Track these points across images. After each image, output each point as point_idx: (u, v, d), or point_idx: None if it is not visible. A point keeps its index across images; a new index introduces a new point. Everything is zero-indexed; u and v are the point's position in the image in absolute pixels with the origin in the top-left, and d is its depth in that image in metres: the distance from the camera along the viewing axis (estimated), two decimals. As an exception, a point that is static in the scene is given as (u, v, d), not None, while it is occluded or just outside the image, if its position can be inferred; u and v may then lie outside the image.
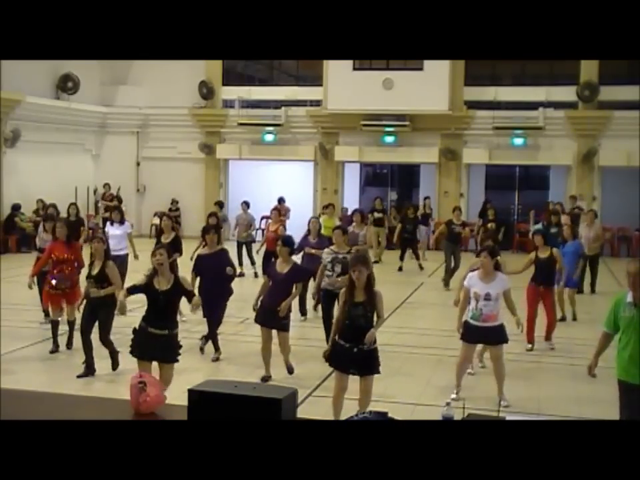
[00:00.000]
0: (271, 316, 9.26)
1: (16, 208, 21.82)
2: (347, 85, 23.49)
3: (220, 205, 19.99)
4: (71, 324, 10.50)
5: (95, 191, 25.06)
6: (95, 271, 9.24)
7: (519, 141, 23.73)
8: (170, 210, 26.30)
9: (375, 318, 7.36)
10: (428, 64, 22.56)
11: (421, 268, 18.87)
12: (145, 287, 7.67)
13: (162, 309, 7.59)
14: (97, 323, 9.35)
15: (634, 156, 21.86)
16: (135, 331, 7.69)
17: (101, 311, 9.25)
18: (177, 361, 7.72)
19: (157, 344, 7.57)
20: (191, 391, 3.85)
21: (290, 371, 9.53)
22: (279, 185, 24.78)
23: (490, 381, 8.83)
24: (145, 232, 25.35)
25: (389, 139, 24.45)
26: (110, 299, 9.11)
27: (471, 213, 24.41)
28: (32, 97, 21.66)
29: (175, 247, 10.86)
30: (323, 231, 13.58)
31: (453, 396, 8.39)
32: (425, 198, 22.72)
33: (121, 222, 13.83)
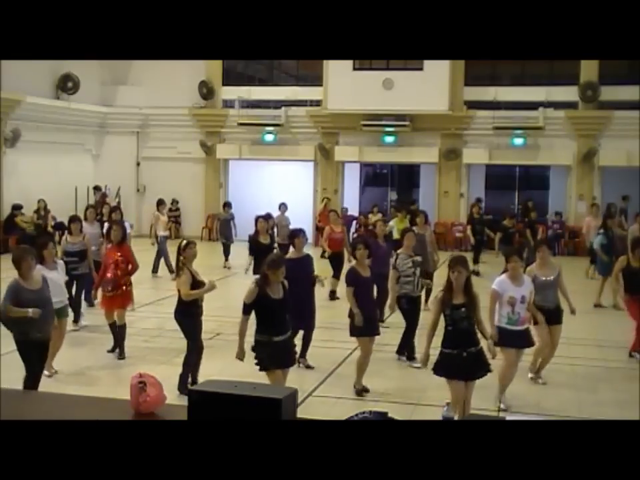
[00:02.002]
0: (375, 324, 9.06)
1: (16, 208, 21.81)
2: (347, 85, 23.50)
3: (229, 205, 20.02)
4: (121, 329, 10.45)
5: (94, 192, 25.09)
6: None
7: (519, 141, 23.74)
8: (170, 210, 26.33)
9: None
10: (428, 64, 22.57)
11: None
12: (260, 298, 7.40)
13: (282, 315, 7.54)
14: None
15: (634, 156, 21.87)
16: (261, 346, 7.48)
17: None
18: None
19: (290, 350, 7.69)
20: (191, 391, 3.84)
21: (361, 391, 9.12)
22: (279, 185, 24.81)
23: (490, 381, 8.82)
24: (145, 232, 25.34)
25: (389, 138, 24.46)
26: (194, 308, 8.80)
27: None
28: (32, 96, 21.67)
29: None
30: (395, 234, 13.43)
31: (502, 406, 8.38)
32: (478, 200, 22.07)
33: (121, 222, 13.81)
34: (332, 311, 12.79)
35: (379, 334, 9.10)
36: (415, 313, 10.51)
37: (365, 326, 8.76)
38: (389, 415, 4.05)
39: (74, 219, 12.38)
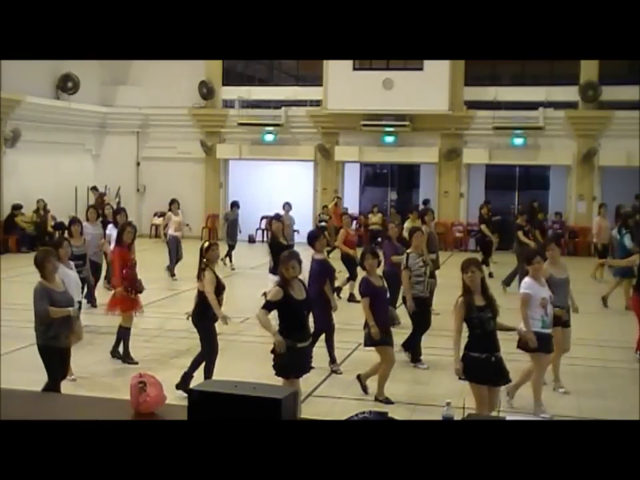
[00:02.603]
0: (390, 333, 8.91)
1: (16, 208, 21.82)
2: (347, 85, 23.50)
3: (237, 205, 19.89)
4: (126, 331, 10.25)
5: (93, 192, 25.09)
6: None
7: (519, 141, 23.74)
8: (170, 210, 26.30)
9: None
10: (428, 64, 22.57)
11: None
12: (284, 299, 7.27)
13: (306, 318, 7.48)
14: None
15: (634, 156, 21.87)
16: (283, 351, 7.26)
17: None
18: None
19: (310, 357, 7.56)
20: (191, 391, 3.84)
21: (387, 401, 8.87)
22: (279, 185, 24.81)
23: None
24: (145, 232, 25.36)
25: (389, 138, 24.46)
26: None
27: (471, 213, 24.46)
28: (32, 96, 21.67)
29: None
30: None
31: (546, 416, 8.13)
32: (487, 202, 21.62)
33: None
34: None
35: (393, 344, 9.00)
36: (425, 315, 10.40)
37: (382, 336, 8.64)
38: (389, 414, 4.05)
39: (74, 220, 12.30)
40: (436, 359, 10.40)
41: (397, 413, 7.55)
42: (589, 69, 22.87)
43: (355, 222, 24.19)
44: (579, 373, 10.29)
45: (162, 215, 24.15)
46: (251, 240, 25.03)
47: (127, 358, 10.10)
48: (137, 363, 9.73)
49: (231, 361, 10.25)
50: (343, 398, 8.92)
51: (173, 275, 17.17)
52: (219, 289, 8.61)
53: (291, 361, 7.24)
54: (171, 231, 17.59)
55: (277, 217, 12.97)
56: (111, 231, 13.46)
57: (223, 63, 25.64)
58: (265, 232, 23.26)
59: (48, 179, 22.52)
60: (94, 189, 24.27)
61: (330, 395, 9.06)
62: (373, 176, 27.49)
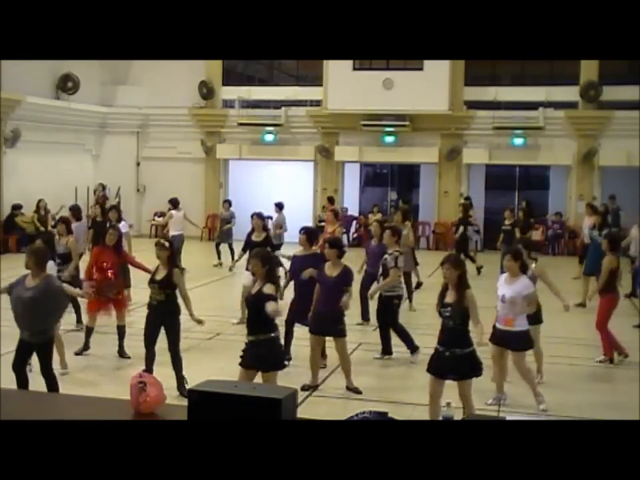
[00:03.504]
0: (325, 322, 8.91)
1: (16, 208, 21.81)
2: (346, 85, 23.49)
3: (229, 203, 19.96)
4: (121, 329, 10.45)
5: (94, 191, 25.07)
6: (159, 277, 8.82)
7: (519, 141, 23.74)
8: (170, 210, 26.28)
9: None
10: (428, 64, 22.56)
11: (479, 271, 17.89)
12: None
13: (254, 314, 7.43)
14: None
15: (634, 156, 21.86)
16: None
17: (167, 320, 8.89)
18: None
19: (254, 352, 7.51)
20: (190, 391, 3.84)
21: (355, 390, 9.03)
22: (279, 185, 24.80)
23: (489, 382, 8.82)
24: (145, 232, 25.38)
25: (389, 138, 24.46)
26: (176, 307, 8.86)
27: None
28: (32, 96, 21.66)
29: (267, 247, 10.72)
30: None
31: (490, 401, 8.48)
32: (465, 199, 21.89)
33: (118, 221, 13.81)
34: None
35: (330, 334, 9.13)
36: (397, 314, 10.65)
37: (313, 322, 8.95)
38: (389, 414, 4.05)
39: (62, 219, 12.37)
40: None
41: (397, 413, 7.55)
42: (588, 69, 22.87)
43: (355, 222, 24.15)
44: (578, 373, 10.30)
45: (162, 214, 24.12)
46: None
47: (83, 351, 10.43)
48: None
49: (231, 361, 10.25)
50: (343, 398, 8.92)
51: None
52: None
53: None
54: (172, 231, 17.49)
55: (260, 215, 12.79)
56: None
57: (223, 63, 25.64)
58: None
59: (48, 178, 22.51)
60: (101, 185, 24.22)
61: (330, 395, 9.06)
62: (373, 176, 27.49)
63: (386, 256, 10.50)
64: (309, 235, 10.11)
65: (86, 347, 10.50)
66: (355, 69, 23.67)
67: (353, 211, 25.16)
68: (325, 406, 8.56)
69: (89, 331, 10.52)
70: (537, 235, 23.65)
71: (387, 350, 10.64)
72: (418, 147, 24.21)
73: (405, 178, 26.77)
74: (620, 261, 10.99)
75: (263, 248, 9.32)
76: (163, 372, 8.42)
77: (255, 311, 7.25)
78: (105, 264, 10.52)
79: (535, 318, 9.06)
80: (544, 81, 23.60)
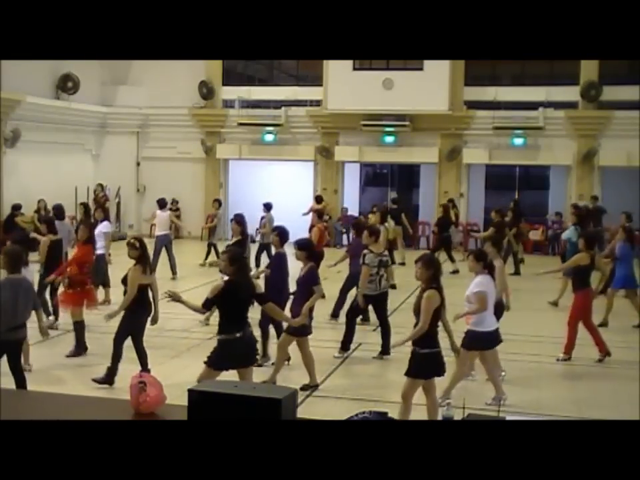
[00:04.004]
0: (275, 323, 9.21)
1: (16, 208, 21.81)
2: (346, 85, 23.48)
3: (219, 202, 20.02)
4: (76, 325, 10.53)
5: (94, 192, 25.07)
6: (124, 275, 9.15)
7: (519, 141, 23.72)
8: (170, 210, 26.29)
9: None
10: (428, 64, 22.55)
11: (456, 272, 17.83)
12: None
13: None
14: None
15: (634, 156, 21.85)
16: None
17: (124, 316, 9.10)
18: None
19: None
20: (190, 391, 3.84)
21: (313, 387, 9.12)
22: (278, 185, 24.80)
23: (488, 382, 8.83)
24: (145, 232, 25.34)
25: (389, 138, 24.45)
26: (133, 304, 8.99)
27: (471, 213, 24.47)
28: (32, 96, 21.64)
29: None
30: None
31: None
32: (449, 200, 22.02)
33: (102, 220, 13.87)
34: (330, 311, 12.79)
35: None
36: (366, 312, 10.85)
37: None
38: (389, 414, 4.05)
39: (44, 219, 12.47)
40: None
41: (397, 413, 7.55)
42: (588, 69, 22.86)
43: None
44: (578, 373, 10.31)
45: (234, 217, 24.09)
46: (252, 240, 24.99)
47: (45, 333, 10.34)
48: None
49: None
50: (343, 398, 8.92)
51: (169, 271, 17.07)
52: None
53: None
54: (156, 231, 17.52)
55: (235, 219, 12.71)
56: (102, 228, 13.73)
57: (223, 63, 25.62)
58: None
59: (48, 178, 22.50)
60: (100, 186, 24.24)
61: (330, 395, 9.07)
62: (373, 176, 27.47)
63: (384, 258, 10.89)
64: (281, 235, 10.27)
65: (81, 346, 10.55)
66: (355, 69, 23.66)
67: (353, 211, 25.14)
68: (325, 406, 8.57)
69: (78, 327, 10.58)
70: (536, 234, 23.73)
71: (345, 347, 10.86)
72: (418, 147, 24.20)
73: (404, 178, 26.76)
74: (596, 259, 11.03)
75: (234, 247, 9.53)
76: (163, 372, 8.41)
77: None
78: (75, 260, 10.77)
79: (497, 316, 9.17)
80: (544, 81, 23.59)
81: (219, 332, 7.29)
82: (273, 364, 9.43)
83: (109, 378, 9.01)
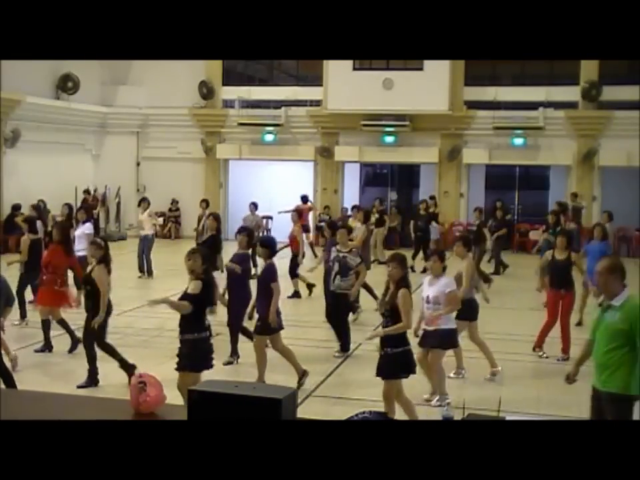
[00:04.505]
0: (258, 320, 9.18)
1: (16, 208, 21.79)
2: (346, 85, 23.49)
3: (207, 202, 20.05)
4: (44, 322, 10.71)
5: (94, 191, 25.07)
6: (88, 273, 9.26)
7: (519, 141, 23.73)
8: (170, 210, 26.32)
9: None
10: (428, 64, 22.56)
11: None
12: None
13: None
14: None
15: (634, 156, 21.86)
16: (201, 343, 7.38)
17: (88, 316, 9.19)
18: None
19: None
20: (190, 391, 3.84)
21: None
22: (279, 185, 24.80)
23: (489, 382, 8.84)
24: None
25: (389, 138, 24.45)
26: (92, 304, 9.05)
27: (471, 213, 24.42)
28: (32, 96, 21.65)
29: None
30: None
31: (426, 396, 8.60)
32: (431, 197, 22.16)
33: (84, 222, 13.91)
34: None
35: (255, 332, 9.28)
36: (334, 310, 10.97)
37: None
38: (389, 414, 4.05)
39: (26, 219, 12.60)
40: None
41: (397, 413, 7.55)
42: (589, 69, 22.86)
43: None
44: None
45: (162, 214, 24.13)
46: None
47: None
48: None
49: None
50: (343, 398, 8.92)
51: (142, 271, 17.10)
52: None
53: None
54: (140, 231, 17.59)
55: (213, 216, 13.17)
56: (84, 229, 14.02)
57: (223, 63, 25.63)
58: (266, 231, 23.25)
59: (48, 178, 22.50)
60: (86, 192, 24.24)
61: (330, 395, 9.06)
62: (373, 176, 27.47)
63: (340, 254, 10.96)
64: (249, 236, 10.49)
65: (48, 344, 10.75)
66: (354, 68, 23.66)
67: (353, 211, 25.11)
68: (325, 406, 8.56)
69: (45, 325, 10.73)
70: (536, 234, 23.73)
71: (344, 347, 10.86)
72: (418, 147, 24.21)
73: (405, 178, 26.75)
74: (576, 257, 11.11)
75: (202, 247, 9.73)
76: (163, 372, 8.40)
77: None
78: (51, 261, 10.91)
79: (469, 314, 9.31)
80: (544, 81, 23.60)
81: (189, 331, 7.30)
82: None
83: (91, 380, 9.13)
